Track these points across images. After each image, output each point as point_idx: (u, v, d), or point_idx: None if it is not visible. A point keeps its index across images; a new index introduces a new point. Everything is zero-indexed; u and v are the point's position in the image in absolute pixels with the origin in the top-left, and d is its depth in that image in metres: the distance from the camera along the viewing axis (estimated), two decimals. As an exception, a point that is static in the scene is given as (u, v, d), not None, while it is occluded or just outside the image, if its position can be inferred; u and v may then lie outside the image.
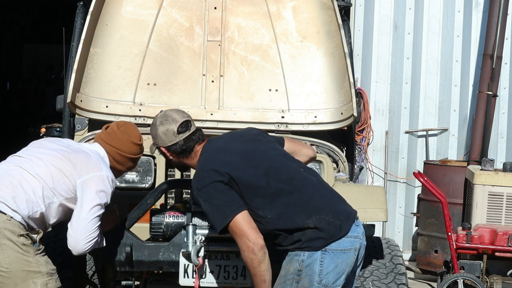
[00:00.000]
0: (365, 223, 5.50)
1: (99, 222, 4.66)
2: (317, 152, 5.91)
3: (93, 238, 4.62)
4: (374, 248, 5.77)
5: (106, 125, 5.02)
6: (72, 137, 6.62)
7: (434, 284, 8.65)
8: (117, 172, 4.92)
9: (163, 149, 4.72)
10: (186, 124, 4.69)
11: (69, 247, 4.65)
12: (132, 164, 4.99)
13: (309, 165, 5.07)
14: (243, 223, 4.39)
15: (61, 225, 5.01)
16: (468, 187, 8.46)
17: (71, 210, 4.66)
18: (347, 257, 4.46)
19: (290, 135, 6.18)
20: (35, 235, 4.55)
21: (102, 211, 4.67)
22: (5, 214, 4.47)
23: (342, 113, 6.22)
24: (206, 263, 4.92)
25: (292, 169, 4.57)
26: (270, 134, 4.97)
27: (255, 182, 4.47)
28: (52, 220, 4.66)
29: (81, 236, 4.60)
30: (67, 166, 4.63)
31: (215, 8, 6.40)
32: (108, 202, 4.72)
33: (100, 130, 5.02)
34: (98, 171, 4.68)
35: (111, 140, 4.89)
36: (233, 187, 4.46)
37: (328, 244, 4.42)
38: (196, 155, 4.68)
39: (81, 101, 6.14)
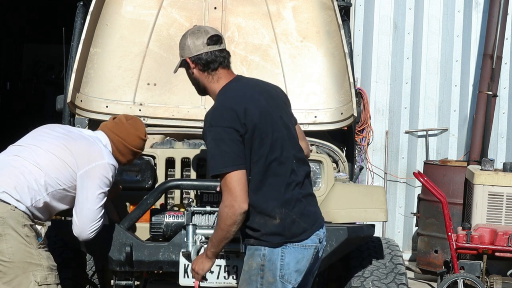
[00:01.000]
0: (365, 223, 5.51)
1: (103, 210, 4.71)
2: (317, 152, 5.90)
3: (98, 226, 4.69)
4: (374, 248, 5.76)
5: (114, 116, 5.07)
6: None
7: (434, 284, 8.65)
8: (117, 163, 4.93)
9: (188, 60, 4.61)
10: (217, 38, 4.60)
11: (74, 234, 4.70)
12: (133, 158, 5.02)
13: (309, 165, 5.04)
14: (238, 182, 4.30)
15: (61, 225, 5.01)
16: (468, 187, 8.46)
17: (74, 198, 4.70)
18: (308, 253, 4.44)
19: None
20: (40, 227, 4.57)
21: (106, 198, 4.71)
22: (9, 204, 4.49)
23: (342, 113, 6.22)
24: (206, 263, 4.92)
25: (289, 156, 4.50)
26: None
27: (259, 145, 4.38)
28: (56, 207, 4.69)
29: (87, 225, 4.66)
30: (68, 156, 4.66)
31: (215, 8, 6.40)
32: (110, 187, 4.76)
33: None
34: (101, 159, 4.71)
35: (118, 130, 4.93)
36: (244, 142, 4.36)
37: (288, 241, 4.39)
38: (218, 81, 4.58)
39: (81, 101, 6.14)
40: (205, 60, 4.57)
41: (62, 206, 4.71)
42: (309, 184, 4.61)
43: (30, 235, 4.51)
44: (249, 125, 4.36)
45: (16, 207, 4.49)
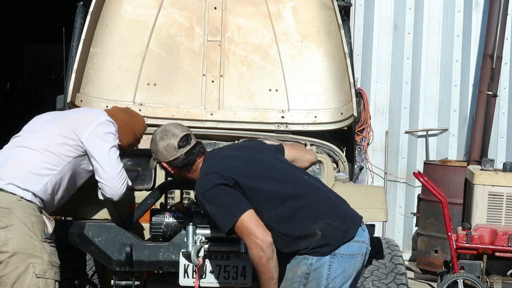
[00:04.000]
0: (365, 223, 5.51)
1: (122, 163, 4.80)
2: (317, 152, 5.91)
3: (125, 177, 4.79)
4: (374, 248, 5.75)
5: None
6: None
7: (434, 284, 8.65)
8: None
9: (165, 164, 4.72)
10: (186, 138, 4.69)
11: (107, 196, 4.79)
12: (132, 143, 5.05)
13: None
14: (250, 221, 4.37)
15: (61, 225, 5.01)
16: (468, 187, 8.46)
17: (83, 171, 4.77)
18: (355, 261, 4.46)
19: (290, 135, 6.19)
20: (47, 220, 4.58)
21: (118, 151, 4.79)
22: (15, 194, 4.50)
23: (342, 113, 6.23)
24: (206, 263, 4.93)
25: (295, 175, 4.57)
26: (269, 140, 4.96)
27: (260, 186, 4.45)
28: (65, 189, 4.73)
29: (116, 180, 4.76)
30: (65, 129, 4.74)
31: (215, 8, 6.40)
32: (117, 141, 4.82)
33: None
34: (98, 119, 4.80)
35: (125, 113, 5.04)
36: (237, 190, 4.45)
37: (336, 249, 4.42)
38: (198, 168, 4.67)
39: (81, 101, 6.15)
40: (181, 162, 4.68)
41: (70, 186, 4.76)
42: (328, 187, 4.68)
43: (36, 226, 4.52)
44: (237, 178, 4.45)
45: (22, 197, 4.52)
